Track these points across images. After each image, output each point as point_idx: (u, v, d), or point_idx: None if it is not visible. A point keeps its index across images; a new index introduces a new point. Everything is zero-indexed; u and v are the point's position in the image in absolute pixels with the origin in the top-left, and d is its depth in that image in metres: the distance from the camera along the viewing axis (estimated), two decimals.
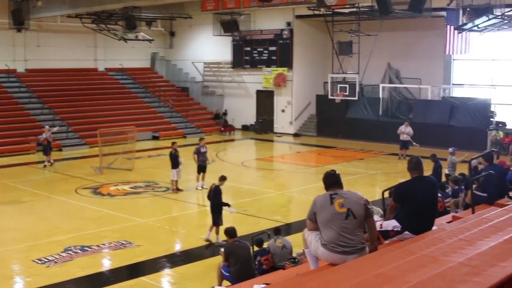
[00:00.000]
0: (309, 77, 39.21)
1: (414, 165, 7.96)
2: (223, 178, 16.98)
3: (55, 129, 29.90)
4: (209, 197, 16.80)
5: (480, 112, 31.65)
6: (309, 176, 27.10)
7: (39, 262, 14.70)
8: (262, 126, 40.31)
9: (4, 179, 25.09)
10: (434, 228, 7.79)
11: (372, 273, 5.59)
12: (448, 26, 30.10)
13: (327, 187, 7.21)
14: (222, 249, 11.96)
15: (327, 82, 35.73)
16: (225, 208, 16.68)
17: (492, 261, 5.52)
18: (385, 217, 8.67)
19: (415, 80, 34.87)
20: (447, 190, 15.05)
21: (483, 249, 6.02)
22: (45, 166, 27.98)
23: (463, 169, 19.83)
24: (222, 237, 14.82)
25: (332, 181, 7.21)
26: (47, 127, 29.23)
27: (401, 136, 28.95)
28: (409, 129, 28.75)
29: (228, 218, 16.69)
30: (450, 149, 21.50)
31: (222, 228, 15.16)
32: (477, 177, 10.90)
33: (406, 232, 7.64)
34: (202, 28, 42.15)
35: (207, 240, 16.32)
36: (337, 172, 7.35)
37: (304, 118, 40.08)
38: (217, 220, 16.34)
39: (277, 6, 33.28)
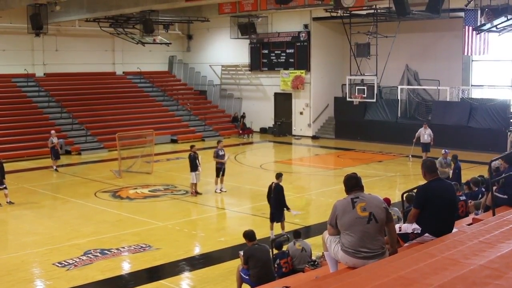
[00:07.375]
0: (327, 79, 39.17)
1: (430, 168, 7.91)
2: (280, 175, 17.04)
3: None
4: (268, 196, 16.93)
5: (499, 113, 31.42)
6: (328, 178, 27.06)
7: (59, 265, 14.80)
8: (280, 129, 40.30)
9: (23, 183, 25.25)
10: (454, 230, 7.73)
11: (392, 276, 5.57)
12: (466, 27, 29.92)
13: (348, 190, 7.18)
14: (241, 252, 11.93)
15: (345, 84, 35.60)
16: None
17: None
18: (405, 221, 8.62)
19: (433, 81, 34.72)
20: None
21: (504, 251, 5.98)
22: (56, 169, 28.24)
23: (483, 171, 19.66)
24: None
25: (353, 183, 7.18)
26: (53, 131, 29.20)
27: (421, 139, 28.37)
28: (429, 131, 28.38)
29: (247, 221, 16.68)
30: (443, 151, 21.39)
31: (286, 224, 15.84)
32: (497, 178, 10.78)
33: (426, 234, 7.60)
34: (220, 31, 42.26)
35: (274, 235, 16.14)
36: (358, 175, 7.31)
37: (322, 121, 40.02)
38: (278, 215, 16.50)
39: (294, 9, 33.16)
